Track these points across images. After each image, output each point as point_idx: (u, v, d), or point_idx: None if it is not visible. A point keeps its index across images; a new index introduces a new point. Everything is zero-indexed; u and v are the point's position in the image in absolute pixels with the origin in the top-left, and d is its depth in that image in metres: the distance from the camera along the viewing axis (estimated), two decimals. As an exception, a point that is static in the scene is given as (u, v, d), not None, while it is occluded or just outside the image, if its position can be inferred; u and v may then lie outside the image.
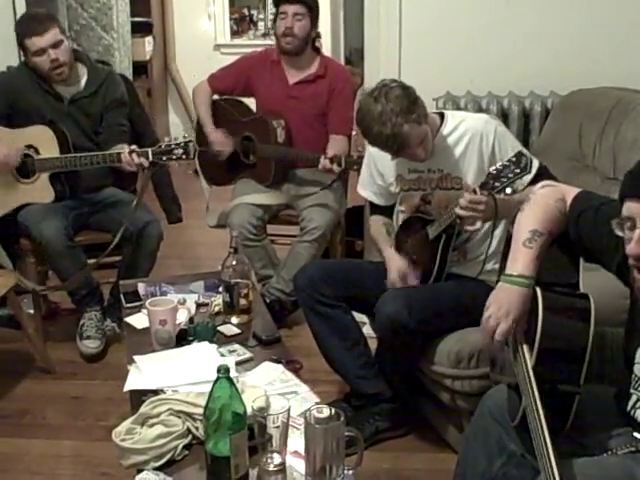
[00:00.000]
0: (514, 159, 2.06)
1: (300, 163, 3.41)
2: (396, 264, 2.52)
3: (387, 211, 2.71)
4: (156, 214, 3.31)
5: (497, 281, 1.78)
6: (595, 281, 1.73)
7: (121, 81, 3.35)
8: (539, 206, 1.74)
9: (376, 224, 2.70)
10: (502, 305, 1.69)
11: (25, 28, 3.04)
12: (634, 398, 1.59)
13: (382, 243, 2.63)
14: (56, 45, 3.03)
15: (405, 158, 2.44)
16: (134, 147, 2.95)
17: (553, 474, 1.41)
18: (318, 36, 3.44)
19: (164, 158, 2.88)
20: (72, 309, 3.37)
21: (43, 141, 3.08)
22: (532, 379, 1.56)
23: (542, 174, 2.27)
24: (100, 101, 3.19)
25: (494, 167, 2.10)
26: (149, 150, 2.89)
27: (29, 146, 3.08)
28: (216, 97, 3.55)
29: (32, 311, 3.29)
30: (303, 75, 3.38)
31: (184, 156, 2.85)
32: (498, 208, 2.18)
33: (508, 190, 2.07)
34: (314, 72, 3.37)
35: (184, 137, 2.92)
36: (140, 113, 3.46)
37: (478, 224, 2.28)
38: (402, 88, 2.31)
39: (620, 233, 1.48)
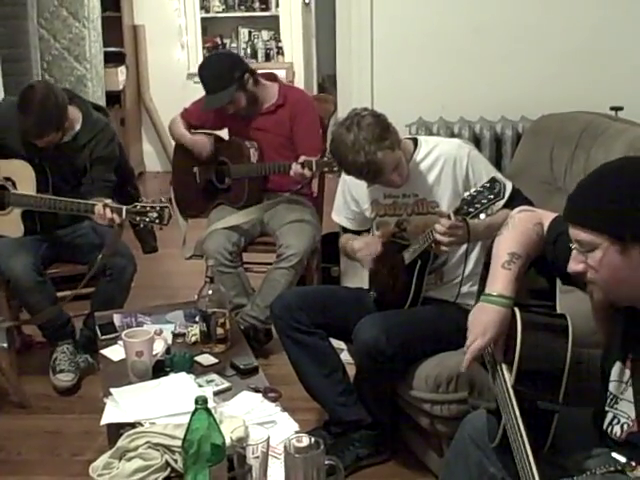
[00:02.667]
0: (488, 185, 2.08)
1: (274, 182, 3.42)
2: (357, 239, 2.57)
3: (360, 235, 2.72)
4: (130, 244, 3.29)
5: (475, 303, 1.80)
6: (571, 303, 1.75)
7: (114, 135, 3.24)
8: (517, 230, 1.78)
9: (346, 237, 2.72)
10: (479, 324, 1.71)
11: (23, 124, 2.92)
12: (610, 416, 1.61)
13: (351, 243, 2.62)
14: (49, 141, 2.98)
15: (381, 185, 2.45)
16: (109, 202, 2.90)
17: None
18: (253, 73, 3.37)
19: (137, 219, 2.84)
20: (46, 342, 3.32)
21: (22, 176, 3.04)
22: (512, 396, 1.58)
23: (515, 197, 2.31)
24: (86, 154, 3.11)
25: (468, 193, 2.12)
26: (123, 208, 2.84)
27: (7, 178, 3.05)
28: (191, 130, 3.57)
29: (5, 345, 3.24)
30: (264, 107, 3.39)
31: (157, 221, 2.81)
32: (470, 232, 2.20)
33: (482, 216, 2.09)
34: (274, 103, 3.38)
35: (161, 201, 2.86)
36: (124, 165, 3.40)
37: (454, 247, 2.31)
38: (374, 116, 2.33)
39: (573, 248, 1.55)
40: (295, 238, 3.24)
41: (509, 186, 2.28)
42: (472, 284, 2.41)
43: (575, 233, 1.51)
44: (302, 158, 3.15)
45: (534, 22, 3.32)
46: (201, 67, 3.40)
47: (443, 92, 3.41)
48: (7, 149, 3.07)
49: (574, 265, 1.53)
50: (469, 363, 1.74)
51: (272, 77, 3.49)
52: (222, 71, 3.30)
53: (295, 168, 3.13)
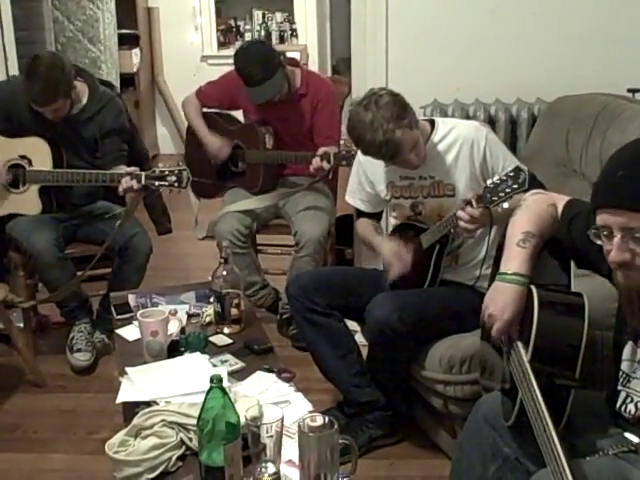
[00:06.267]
0: (512, 174, 2.06)
1: (289, 166, 3.42)
2: (387, 245, 2.54)
3: (374, 217, 2.73)
4: (145, 225, 3.30)
5: (489, 285, 1.80)
6: (585, 286, 1.75)
7: (122, 108, 3.26)
8: (532, 210, 1.78)
9: (364, 224, 2.72)
10: (498, 304, 1.71)
11: (30, 91, 2.93)
12: (623, 395, 1.61)
13: (370, 236, 2.64)
14: (57, 110, 2.99)
15: (398, 165, 2.44)
16: (133, 169, 2.93)
17: (559, 458, 1.41)
18: (284, 55, 3.31)
19: (156, 183, 2.86)
20: (62, 322, 3.35)
21: (37, 153, 3.06)
22: (529, 371, 1.57)
23: (531, 182, 2.29)
24: (95, 128, 3.13)
25: (491, 181, 2.10)
26: (142, 174, 2.88)
27: (23, 156, 3.07)
28: (204, 109, 3.55)
29: (22, 324, 3.28)
30: (287, 95, 3.33)
31: (176, 184, 2.84)
32: (493, 220, 2.19)
33: (505, 205, 2.07)
34: (297, 91, 3.33)
35: (178, 165, 2.91)
36: (130, 128, 3.41)
37: (476, 233, 2.30)
38: (391, 95, 2.32)
39: (599, 242, 1.51)
40: (309, 224, 3.23)
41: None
42: (487, 267, 2.40)
43: (623, 220, 1.43)
44: (321, 150, 3.14)
45: (550, 3, 3.28)
46: (241, 60, 3.20)
47: (458, 74, 3.38)
48: (17, 126, 3.08)
49: (619, 255, 1.45)
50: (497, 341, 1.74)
51: (294, 62, 3.45)
52: (266, 59, 3.17)
53: (315, 162, 3.11)
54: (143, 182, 2.87)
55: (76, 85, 3.08)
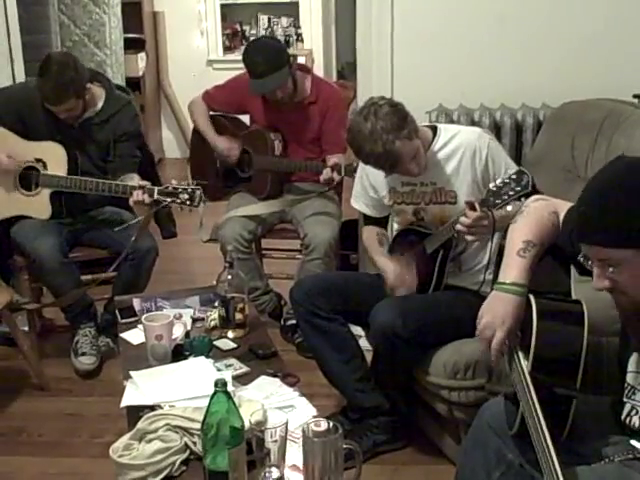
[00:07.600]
0: (514, 176, 2.06)
1: (297, 174, 3.42)
2: (391, 268, 2.54)
3: (381, 222, 2.73)
4: (150, 229, 3.30)
5: (491, 291, 1.79)
6: (588, 292, 1.74)
7: (137, 112, 3.30)
8: (532, 218, 1.77)
9: (369, 233, 2.72)
10: (497, 314, 1.70)
11: (42, 90, 2.95)
12: (628, 407, 1.60)
13: (374, 252, 2.64)
14: (70, 110, 3.00)
15: (399, 174, 2.45)
16: (143, 183, 2.94)
17: (556, 473, 1.42)
18: (295, 59, 3.36)
19: (168, 199, 2.87)
20: (67, 326, 3.35)
21: (53, 158, 3.07)
22: (529, 383, 1.57)
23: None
24: (110, 131, 3.15)
25: (494, 184, 2.10)
26: (155, 189, 2.88)
27: (38, 160, 3.08)
28: (211, 112, 3.56)
29: (27, 328, 3.28)
30: (296, 100, 3.33)
31: (188, 202, 2.84)
32: (496, 224, 2.19)
33: (509, 208, 2.07)
34: (306, 98, 3.33)
35: (193, 183, 2.91)
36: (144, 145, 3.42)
37: (479, 237, 2.29)
38: (391, 105, 2.32)
39: (588, 267, 1.54)
40: (319, 227, 3.22)
41: None
42: (491, 272, 2.40)
43: (596, 252, 1.47)
44: (332, 161, 3.14)
45: (556, 8, 3.28)
46: (249, 51, 3.24)
47: (463, 79, 3.39)
48: (32, 128, 3.09)
49: (600, 283, 1.49)
50: (497, 358, 1.73)
51: (305, 69, 3.46)
52: (273, 53, 3.19)
53: (325, 173, 3.11)
54: (155, 197, 2.87)
55: (92, 88, 3.10)
